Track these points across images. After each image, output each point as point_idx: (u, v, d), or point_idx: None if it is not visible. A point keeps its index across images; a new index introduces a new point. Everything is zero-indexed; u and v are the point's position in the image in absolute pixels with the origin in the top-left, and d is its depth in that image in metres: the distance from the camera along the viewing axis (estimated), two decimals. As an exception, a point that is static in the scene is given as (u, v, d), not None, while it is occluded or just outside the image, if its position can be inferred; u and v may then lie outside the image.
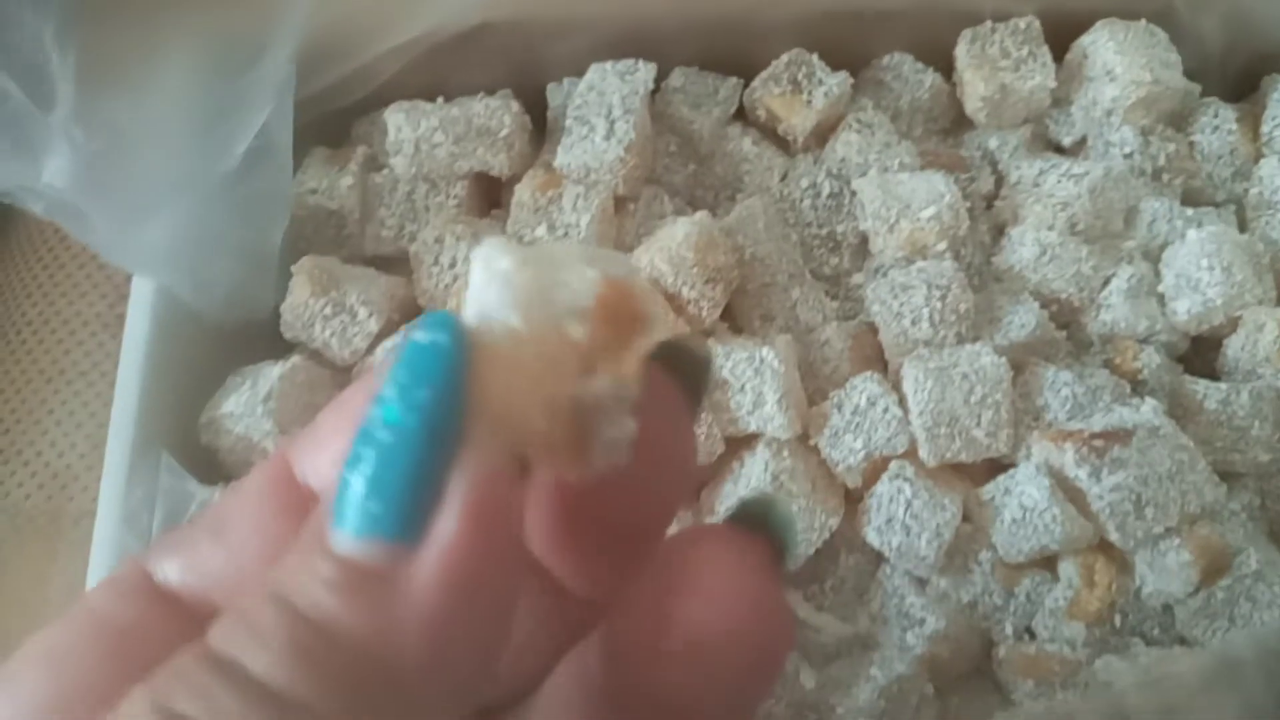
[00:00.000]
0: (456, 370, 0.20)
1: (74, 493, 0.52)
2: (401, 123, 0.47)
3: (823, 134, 0.50)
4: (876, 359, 0.45)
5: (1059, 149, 0.50)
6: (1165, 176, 0.49)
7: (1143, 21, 0.49)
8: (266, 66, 0.40)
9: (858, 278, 0.48)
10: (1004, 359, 0.42)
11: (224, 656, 0.19)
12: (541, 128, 0.51)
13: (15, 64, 0.33)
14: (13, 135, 0.34)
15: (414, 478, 0.20)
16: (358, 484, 0.20)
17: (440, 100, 0.49)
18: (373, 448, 0.20)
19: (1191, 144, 0.50)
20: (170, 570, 0.22)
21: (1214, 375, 0.46)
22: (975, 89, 0.48)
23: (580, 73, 0.49)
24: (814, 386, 0.45)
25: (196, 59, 0.40)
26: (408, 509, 0.20)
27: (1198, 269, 0.45)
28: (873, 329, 0.46)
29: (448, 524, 0.20)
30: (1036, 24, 0.49)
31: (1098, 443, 0.40)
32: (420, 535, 0.19)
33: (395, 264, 0.48)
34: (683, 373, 0.23)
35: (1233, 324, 0.45)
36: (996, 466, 0.43)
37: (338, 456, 0.20)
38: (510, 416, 0.21)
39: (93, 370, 0.54)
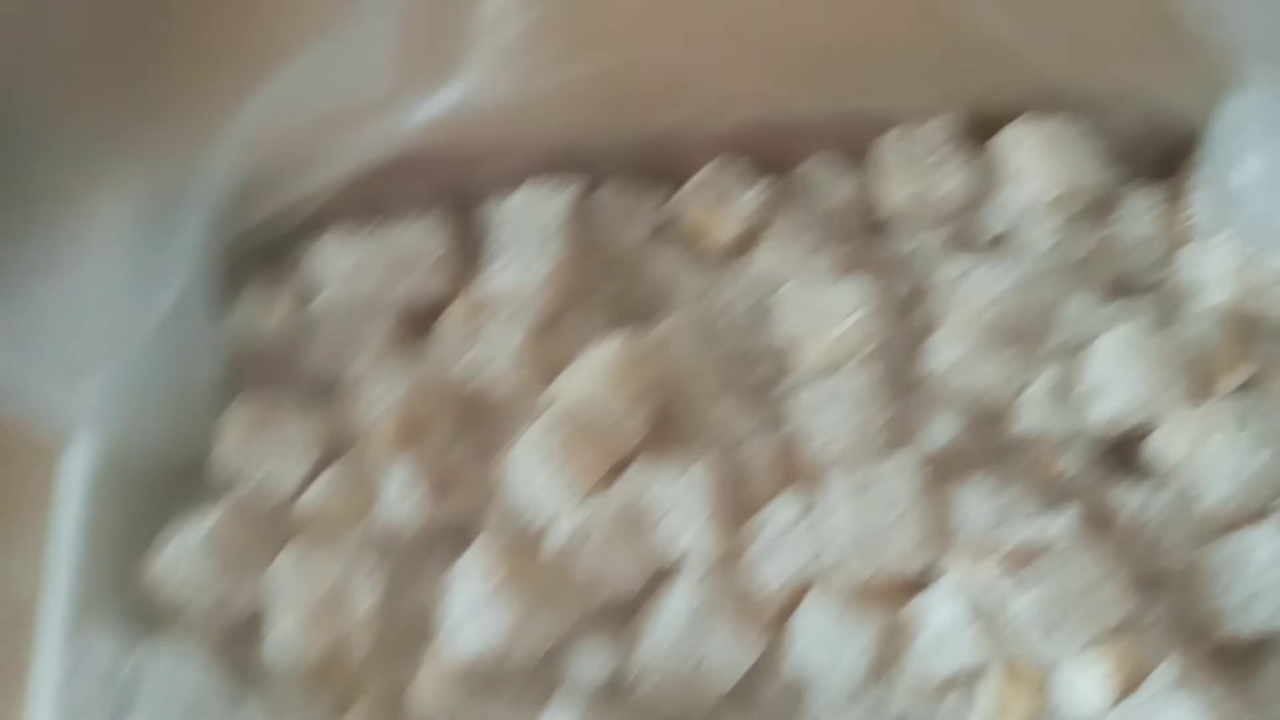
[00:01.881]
0: None
1: (29, 624, 0.52)
2: (331, 255, 0.48)
3: (747, 242, 0.50)
4: (802, 471, 0.46)
5: (980, 247, 0.51)
6: (1087, 270, 0.50)
7: (1059, 118, 0.50)
8: (187, 224, 0.41)
9: (782, 388, 0.48)
10: (919, 476, 0.43)
11: None
12: (474, 245, 0.51)
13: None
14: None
15: None
16: None
17: (371, 227, 0.50)
18: None
19: (1114, 234, 0.51)
20: None
21: (1139, 473, 0.47)
22: (894, 192, 0.49)
23: (511, 189, 0.50)
24: (741, 501, 0.45)
25: (115, 217, 0.41)
26: None
27: (1115, 371, 0.46)
28: (798, 440, 0.46)
29: None
30: (953, 126, 0.49)
31: (1012, 560, 0.41)
32: None
33: (330, 392, 0.48)
34: None
35: (1153, 422, 0.46)
36: (919, 583, 0.44)
37: None
38: None
39: (42, 497, 0.54)
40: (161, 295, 0.43)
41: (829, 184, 0.51)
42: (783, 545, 0.43)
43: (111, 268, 0.43)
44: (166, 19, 0.42)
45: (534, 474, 0.43)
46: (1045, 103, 0.50)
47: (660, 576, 0.44)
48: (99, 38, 0.40)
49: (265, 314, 0.48)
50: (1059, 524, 0.42)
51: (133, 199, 0.42)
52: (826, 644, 0.42)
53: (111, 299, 0.43)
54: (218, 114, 0.41)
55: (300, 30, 0.40)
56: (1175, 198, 0.51)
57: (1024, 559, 0.41)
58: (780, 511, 0.44)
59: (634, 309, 0.51)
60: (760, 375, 0.49)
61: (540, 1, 0.41)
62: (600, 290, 0.50)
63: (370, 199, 0.50)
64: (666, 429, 0.47)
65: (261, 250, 0.50)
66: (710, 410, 0.47)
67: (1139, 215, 0.51)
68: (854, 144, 0.50)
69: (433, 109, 0.43)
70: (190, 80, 0.42)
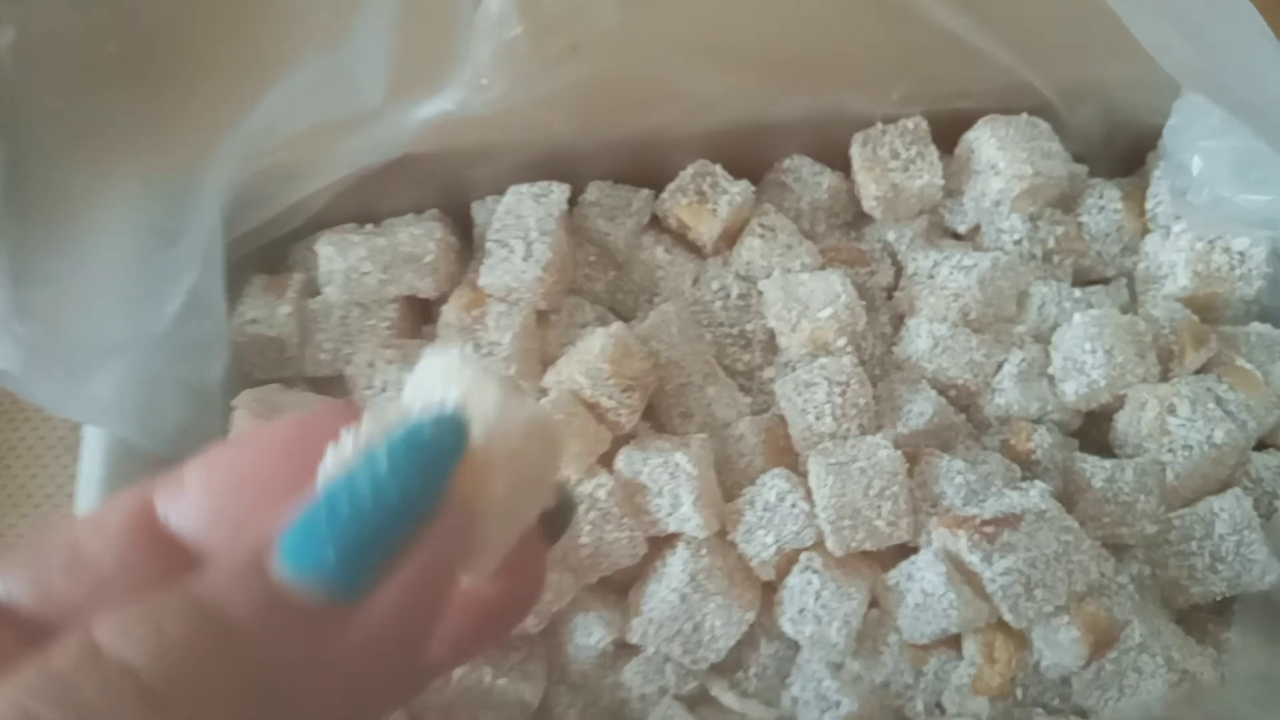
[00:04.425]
0: (451, 473, 0.23)
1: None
2: (331, 254, 0.50)
3: (730, 237, 0.53)
4: (789, 450, 0.48)
5: (956, 235, 0.54)
6: (1055, 258, 0.52)
7: (1024, 115, 0.52)
8: (194, 227, 0.43)
9: (769, 372, 0.51)
10: (899, 452, 0.45)
11: (107, 649, 0.19)
12: (470, 241, 0.54)
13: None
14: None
15: (380, 549, 0.22)
16: (323, 530, 0.21)
17: (369, 227, 0.52)
18: (350, 505, 0.21)
19: (1080, 224, 0.53)
20: (19, 593, 0.23)
21: (1108, 448, 0.49)
22: (869, 189, 0.52)
23: (503, 190, 0.52)
24: (731, 480, 0.48)
25: (127, 219, 0.43)
26: (362, 573, 0.22)
27: (1082, 352, 0.48)
28: (784, 422, 0.48)
29: (390, 597, 0.22)
30: (924, 124, 0.52)
31: (988, 529, 0.43)
32: (361, 599, 0.22)
33: (335, 385, 0.50)
34: (547, 520, 0.30)
35: (1119, 401, 0.48)
36: (903, 550, 0.46)
37: (209, 506, 0.23)
38: (471, 515, 0.25)
39: (58, 493, 0.57)
40: (172, 293, 0.45)
41: (806, 182, 0.53)
42: (771, 519, 0.45)
43: (123, 266, 0.45)
44: (175, 31, 0.44)
45: (533, 456, 0.45)
46: (1010, 102, 0.52)
47: (656, 551, 0.46)
48: (112, 49, 0.42)
49: (271, 310, 0.50)
50: (1031, 496, 0.44)
51: (143, 202, 0.44)
52: (816, 609, 0.44)
53: (124, 296, 0.44)
54: (224, 121, 0.43)
55: (300, 43, 0.42)
56: (1138, 190, 0.54)
57: (998, 529, 0.43)
58: (767, 487, 0.46)
59: (624, 302, 0.53)
60: (747, 362, 0.51)
61: (527, 13, 0.43)
62: (591, 284, 0.53)
63: (368, 199, 0.52)
64: (658, 414, 0.50)
65: (265, 249, 0.52)
66: (699, 397, 0.49)
67: (1103, 207, 0.53)
68: (828, 144, 0.53)
69: (425, 116, 0.45)
70: (197, 89, 0.44)
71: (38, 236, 0.39)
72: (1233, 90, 0.40)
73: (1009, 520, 0.43)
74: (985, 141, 0.52)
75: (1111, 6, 0.39)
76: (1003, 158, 0.51)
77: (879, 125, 0.52)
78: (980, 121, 0.52)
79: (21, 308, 0.38)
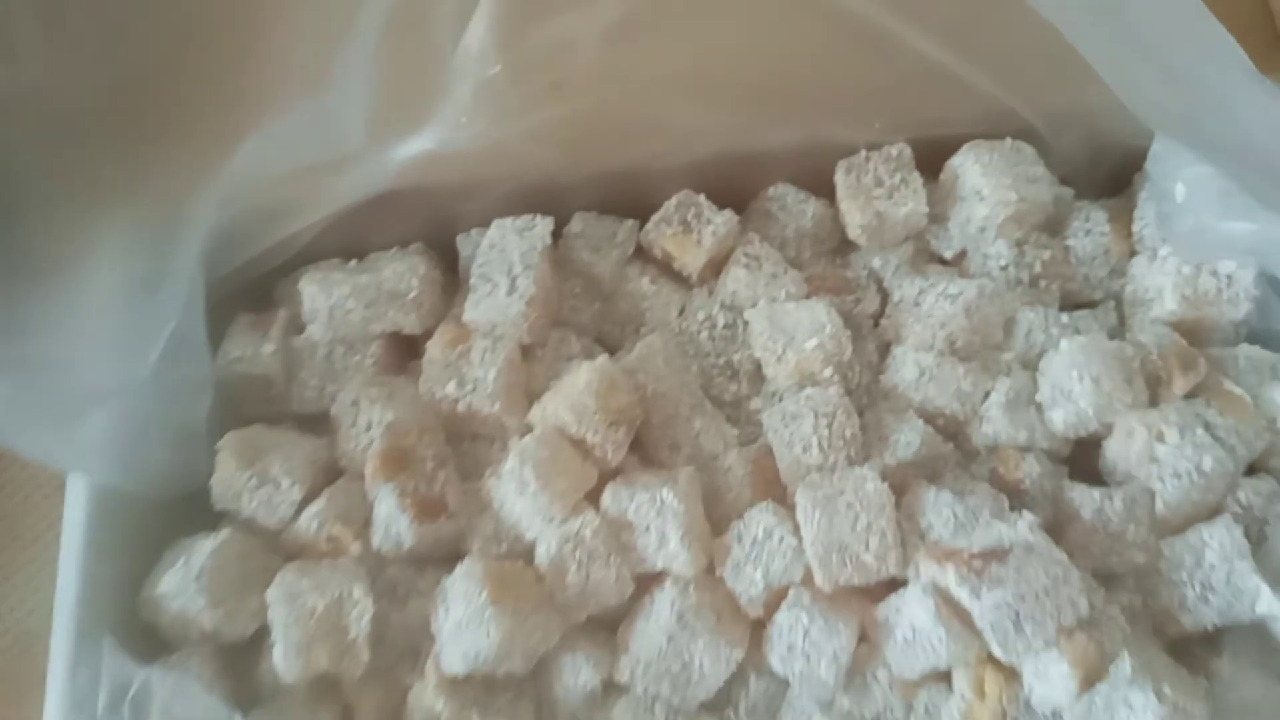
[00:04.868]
0: None
1: (37, 654, 0.54)
2: (315, 292, 0.50)
3: (716, 267, 0.53)
4: (776, 482, 0.48)
5: (942, 261, 0.53)
6: (1042, 283, 0.52)
7: (1008, 140, 0.52)
8: (177, 272, 0.43)
9: (756, 402, 0.51)
10: (886, 485, 0.45)
11: None
12: (455, 274, 0.54)
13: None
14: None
15: None
16: None
17: (353, 263, 0.52)
18: None
19: (1067, 248, 0.53)
20: None
21: (1098, 475, 0.49)
22: (854, 217, 0.51)
23: (489, 222, 0.52)
24: (719, 513, 0.47)
25: (111, 268, 0.43)
26: None
27: (1069, 380, 0.48)
28: (772, 453, 0.48)
29: None
30: (907, 151, 0.52)
31: (976, 563, 0.43)
32: None
33: (321, 421, 0.50)
34: None
35: (1108, 428, 0.48)
36: (893, 583, 0.46)
37: None
38: None
39: (47, 532, 0.57)
40: (155, 339, 0.45)
41: (791, 211, 0.53)
42: (759, 555, 0.45)
43: (107, 315, 0.44)
44: (156, 81, 0.44)
45: (519, 494, 0.45)
46: (994, 127, 0.52)
47: (644, 588, 0.46)
48: (93, 102, 0.42)
49: (256, 349, 0.50)
50: (1019, 528, 0.44)
51: (126, 250, 0.44)
52: (806, 644, 0.44)
53: (108, 344, 0.44)
54: (204, 168, 0.43)
55: (280, 87, 0.42)
56: (1124, 212, 0.54)
57: (986, 563, 0.43)
58: (755, 522, 0.46)
59: (610, 333, 0.53)
60: (734, 392, 0.51)
61: (507, 51, 0.43)
62: (577, 315, 0.52)
63: (354, 233, 0.52)
64: (645, 446, 0.49)
65: (248, 286, 0.52)
66: (686, 427, 0.49)
67: (1089, 230, 0.53)
68: (812, 173, 0.53)
69: (407, 155, 0.45)
70: (177, 137, 0.44)
71: (22, 289, 0.39)
72: (1205, 130, 0.40)
73: (997, 554, 0.43)
74: (969, 168, 0.51)
75: (1078, 49, 0.39)
76: (987, 184, 0.51)
77: (863, 153, 0.52)
78: (964, 147, 0.52)
79: (5, 362, 0.38)
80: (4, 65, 0.38)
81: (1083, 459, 0.50)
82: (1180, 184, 0.47)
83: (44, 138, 0.40)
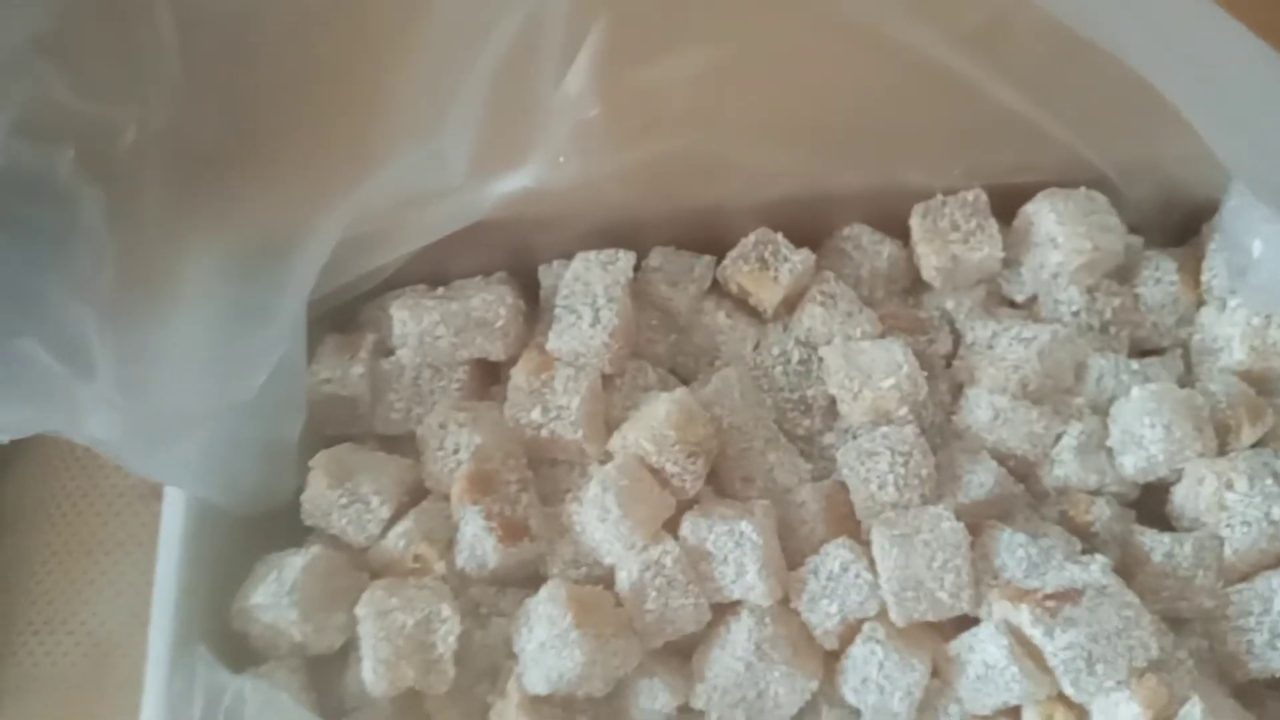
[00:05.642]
0: None
1: (116, 660, 0.56)
2: (405, 317, 0.51)
3: (790, 304, 0.54)
4: (850, 517, 0.49)
5: (1013, 304, 0.54)
6: (1112, 329, 0.53)
7: (1082, 190, 0.53)
8: (287, 306, 0.45)
9: (829, 437, 0.52)
10: (962, 524, 0.46)
11: None
12: (535, 303, 0.55)
13: (57, 343, 0.38)
14: (54, 398, 0.39)
15: None
16: None
17: (440, 290, 0.54)
18: None
19: (1136, 296, 0.54)
20: None
21: (1165, 519, 0.50)
22: (929, 260, 0.53)
23: (568, 254, 0.53)
24: (793, 546, 0.49)
25: (224, 298, 0.45)
26: None
27: (1141, 426, 0.49)
28: (845, 488, 0.49)
29: None
30: (983, 197, 0.53)
31: (1050, 603, 0.44)
32: None
33: (405, 443, 0.52)
34: None
35: (1177, 474, 0.49)
36: (963, 620, 0.47)
37: None
38: None
39: (129, 540, 0.59)
40: (263, 362, 0.46)
41: (866, 251, 0.54)
42: (834, 589, 0.46)
43: (217, 342, 0.46)
44: (275, 122, 0.46)
45: (600, 521, 0.46)
46: (1068, 175, 0.53)
47: (720, 617, 0.47)
48: (219, 138, 0.44)
49: (344, 370, 0.52)
50: (1092, 570, 0.45)
51: (240, 277, 0.46)
52: (879, 679, 0.45)
53: (216, 369, 0.46)
54: (319, 203, 0.45)
55: (395, 129, 0.44)
56: (1193, 261, 0.55)
57: (1060, 603, 0.44)
58: (831, 557, 0.47)
59: (686, 365, 0.54)
60: (807, 427, 0.52)
61: (605, 94, 0.44)
62: (653, 347, 0.54)
63: (438, 261, 0.53)
64: (719, 477, 0.51)
65: (336, 312, 0.53)
66: (760, 462, 0.50)
67: (1159, 279, 0.54)
68: (887, 215, 0.54)
69: (504, 191, 0.47)
70: (295, 174, 0.46)
71: (143, 316, 0.41)
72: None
73: (1070, 595, 0.44)
74: (1044, 215, 0.52)
75: (1168, 98, 0.40)
76: (1061, 232, 0.52)
77: (939, 197, 0.53)
78: (1039, 195, 0.53)
79: (123, 383, 0.39)
80: (138, 107, 0.40)
81: (1150, 503, 0.51)
82: (1258, 240, 0.48)
83: (170, 175, 0.42)
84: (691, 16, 0.47)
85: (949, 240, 0.53)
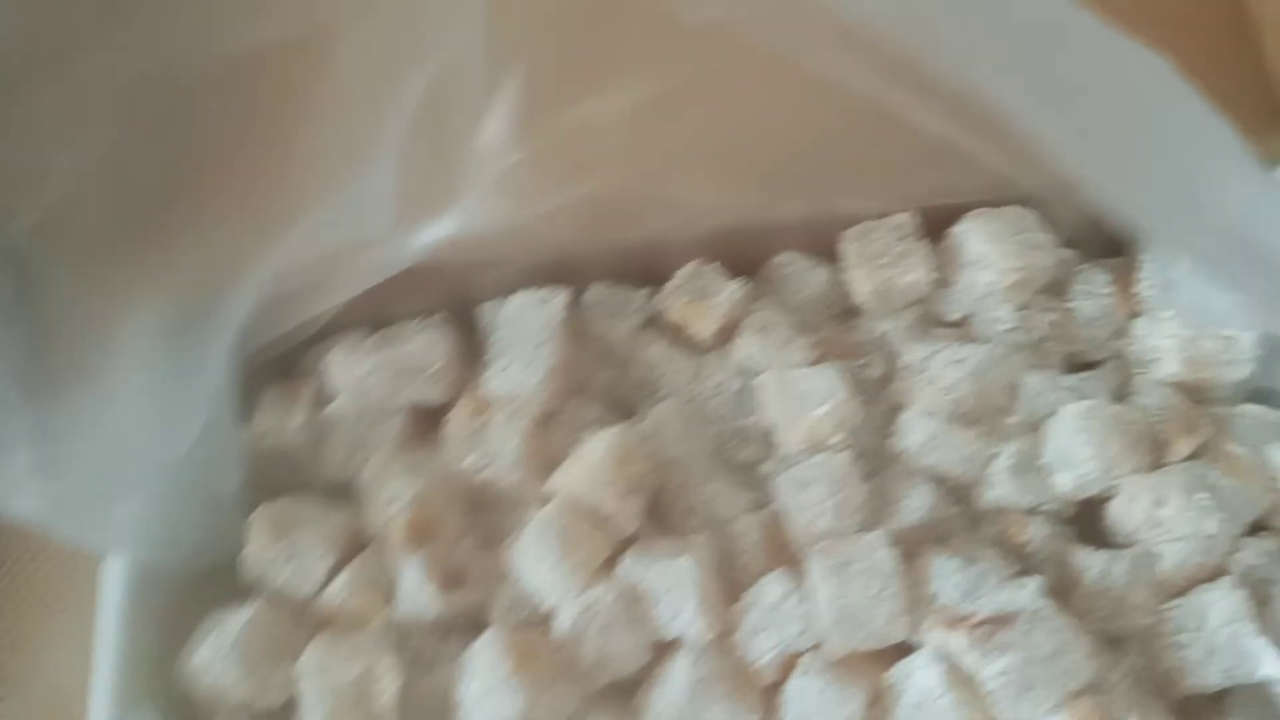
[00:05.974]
0: None
1: (74, 717, 0.56)
2: (340, 366, 0.52)
3: (727, 334, 0.54)
4: (789, 547, 0.49)
5: (945, 330, 0.55)
6: (1047, 345, 0.53)
7: (1011, 208, 0.53)
8: (211, 363, 0.45)
9: (769, 465, 0.52)
10: (897, 551, 0.46)
11: None
12: (475, 348, 0.55)
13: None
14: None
15: None
16: None
17: (377, 334, 0.54)
18: None
19: (1070, 310, 0.54)
20: None
21: (1104, 533, 0.50)
22: (860, 285, 0.53)
23: (510, 291, 0.54)
24: (734, 578, 0.49)
25: (146, 363, 0.45)
26: None
27: (1072, 444, 0.49)
28: (782, 520, 0.50)
29: None
30: (913, 220, 0.53)
31: (984, 629, 0.44)
32: None
33: (349, 491, 0.52)
34: None
35: (1112, 490, 0.49)
36: (904, 647, 0.47)
37: None
38: None
39: (87, 595, 0.59)
40: (190, 426, 0.47)
41: (799, 278, 0.55)
42: (771, 621, 0.46)
43: (143, 406, 0.46)
44: (185, 180, 0.46)
45: (538, 565, 0.47)
46: (998, 194, 0.53)
47: (660, 656, 0.47)
48: (124, 201, 0.44)
49: (284, 421, 0.52)
50: (1025, 593, 0.45)
51: (159, 342, 0.46)
52: (816, 712, 0.45)
53: (144, 434, 0.46)
54: (237, 259, 0.45)
55: (311, 180, 0.44)
56: (1127, 273, 0.55)
57: (993, 629, 0.44)
58: (768, 590, 0.47)
59: (625, 399, 0.54)
60: (745, 458, 0.52)
61: (530, 137, 0.44)
62: (594, 383, 0.54)
63: (378, 303, 0.53)
64: (660, 513, 0.51)
65: (276, 361, 0.54)
66: (700, 493, 0.51)
67: (1092, 292, 0.54)
68: (822, 241, 0.54)
69: (430, 239, 0.47)
70: (210, 232, 0.46)
71: (56, 396, 0.41)
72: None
73: (1004, 620, 0.44)
74: (972, 236, 0.53)
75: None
76: (990, 252, 0.52)
77: (868, 222, 0.53)
78: (967, 216, 0.53)
79: (47, 462, 0.40)
80: (36, 188, 0.40)
81: (1090, 516, 0.51)
82: (1175, 262, 0.48)
83: (74, 247, 0.42)
84: (614, 58, 0.47)
85: (879, 265, 0.53)
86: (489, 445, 0.50)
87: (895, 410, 0.53)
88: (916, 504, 0.49)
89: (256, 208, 0.45)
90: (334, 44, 0.42)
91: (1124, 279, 0.55)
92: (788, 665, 0.46)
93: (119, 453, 0.44)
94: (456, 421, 0.51)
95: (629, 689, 0.47)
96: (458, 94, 0.45)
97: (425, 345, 0.52)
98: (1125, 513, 0.48)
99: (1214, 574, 0.48)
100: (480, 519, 0.50)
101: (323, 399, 0.54)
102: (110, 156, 0.43)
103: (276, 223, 0.44)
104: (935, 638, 0.45)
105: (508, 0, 0.41)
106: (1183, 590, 0.47)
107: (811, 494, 0.48)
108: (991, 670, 0.44)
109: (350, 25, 0.41)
